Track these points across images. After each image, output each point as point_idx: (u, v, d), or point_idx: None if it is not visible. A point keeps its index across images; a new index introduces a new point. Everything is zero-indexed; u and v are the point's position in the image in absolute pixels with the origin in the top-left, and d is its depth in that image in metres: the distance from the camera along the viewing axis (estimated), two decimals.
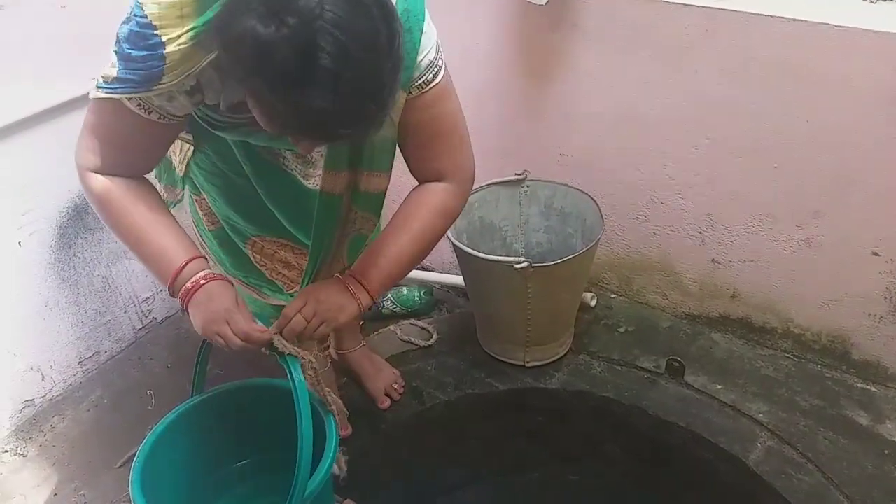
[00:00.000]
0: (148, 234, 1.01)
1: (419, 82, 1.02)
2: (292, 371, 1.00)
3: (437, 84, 1.03)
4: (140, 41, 0.84)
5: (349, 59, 0.75)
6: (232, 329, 0.98)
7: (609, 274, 1.80)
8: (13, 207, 1.56)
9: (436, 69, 1.03)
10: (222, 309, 0.99)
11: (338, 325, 1.08)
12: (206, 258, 1.05)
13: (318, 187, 1.13)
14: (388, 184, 1.17)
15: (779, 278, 1.56)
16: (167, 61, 0.85)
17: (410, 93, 1.02)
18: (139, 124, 0.93)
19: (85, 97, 1.48)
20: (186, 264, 1.00)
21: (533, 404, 1.62)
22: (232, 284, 1.05)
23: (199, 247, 1.34)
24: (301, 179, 1.20)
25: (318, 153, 1.16)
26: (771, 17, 1.33)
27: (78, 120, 1.57)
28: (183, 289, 1.00)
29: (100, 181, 1.00)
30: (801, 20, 1.31)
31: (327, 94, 0.76)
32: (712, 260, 1.62)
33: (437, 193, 1.12)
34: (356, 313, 1.08)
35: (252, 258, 1.32)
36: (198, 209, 1.33)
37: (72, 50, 1.56)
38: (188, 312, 1.02)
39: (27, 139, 1.54)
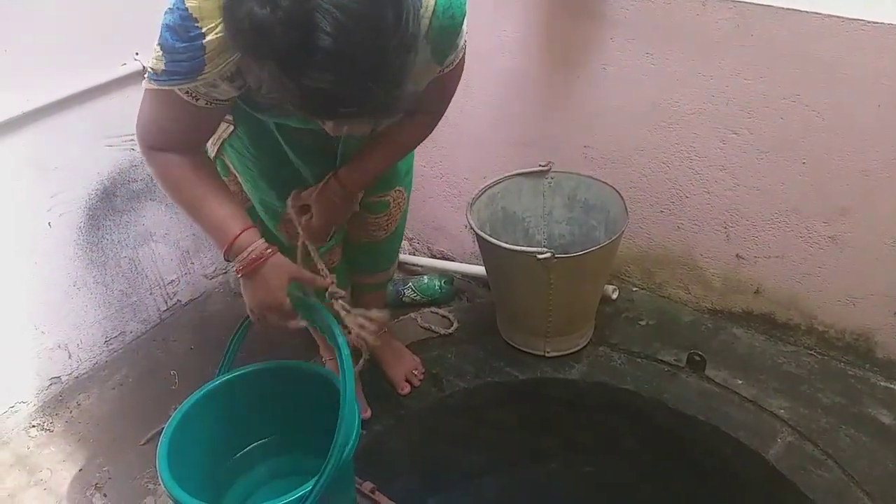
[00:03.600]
0: (205, 204, 1.06)
1: (453, 61, 1.07)
2: (339, 343, 1.04)
3: (462, 57, 1.09)
4: (182, 33, 0.87)
5: (349, 39, 0.75)
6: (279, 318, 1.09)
7: (631, 267, 1.80)
8: (44, 189, 1.59)
9: (465, 46, 1.07)
10: (274, 297, 1.08)
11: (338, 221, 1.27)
12: (257, 228, 1.09)
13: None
14: None
15: (804, 275, 1.55)
16: (207, 51, 0.87)
17: (442, 70, 1.06)
18: (189, 110, 0.97)
19: (114, 82, 1.53)
20: (240, 234, 1.06)
21: (552, 394, 1.62)
22: (285, 258, 1.11)
23: None
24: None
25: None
26: (803, 12, 1.32)
27: (108, 104, 1.63)
28: (238, 260, 1.07)
29: (160, 157, 1.05)
30: (834, 16, 1.29)
31: (326, 75, 0.77)
32: (737, 255, 1.61)
33: (419, 121, 1.21)
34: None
35: (283, 237, 1.34)
36: None
37: (103, 35, 1.58)
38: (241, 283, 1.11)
39: (58, 122, 1.57)
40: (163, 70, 0.91)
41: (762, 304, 1.63)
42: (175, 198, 1.09)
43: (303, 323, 1.12)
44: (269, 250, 1.07)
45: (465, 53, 1.09)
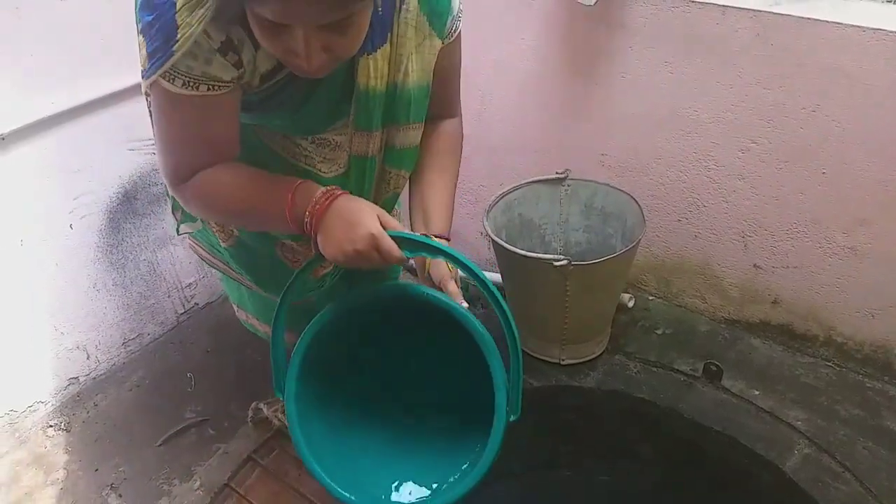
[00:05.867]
0: (251, 191, 0.98)
1: (452, 29, 1.03)
2: (481, 275, 0.95)
3: (459, 30, 1.06)
4: (149, 4, 0.84)
5: None
6: (383, 255, 0.93)
7: (648, 276, 1.80)
8: (66, 191, 1.61)
9: (461, 15, 1.05)
10: (369, 228, 0.92)
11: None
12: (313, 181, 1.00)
13: (336, 174, 1.11)
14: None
15: (822, 285, 1.54)
16: (177, 8, 0.83)
17: (443, 42, 1.03)
18: (197, 104, 0.92)
19: (137, 86, 1.48)
20: (299, 184, 0.96)
21: (567, 402, 1.62)
22: (357, 196, 0.99)
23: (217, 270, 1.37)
24: (321, 175, 1.13)
25: (343, 136, 1.10)
26: (824, 21, 1.32)
27: (132, 108, 1.65)
28: (311, 205, 0.95)
29: (192, 184, 0.99)
30: (854, 25, 1.29)
31: None
32: (754, 265, 1.61)
33: (456, 128, 1.18)
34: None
35: (283, 259, 1.25)
36: (211, 228, 1.26)
37: (127, 39, 1.60)
38: (318, 243, 0.96)
39: (81, 126, 1.59)
40: (146, 57, 0.87)
41: (780, 314, 1.63)
42: (224, 215, 1.03)
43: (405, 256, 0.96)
44: (334, 191, 0.96)
45: (461, 27, 1.05)
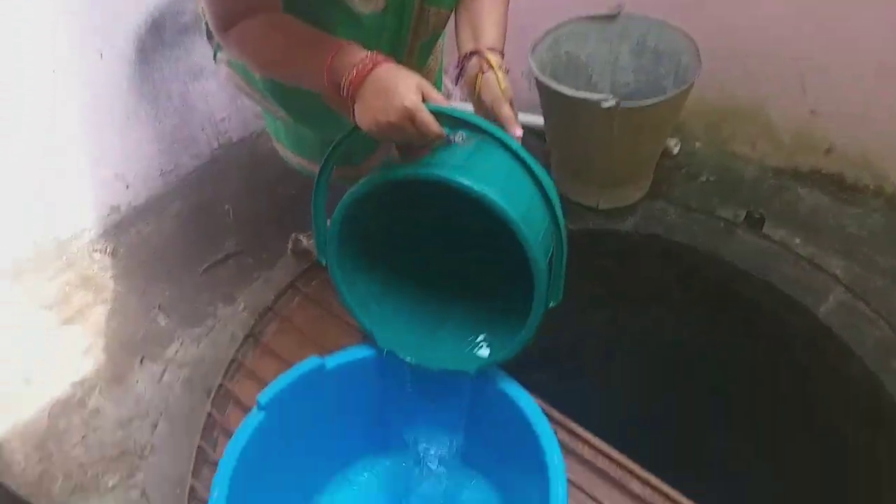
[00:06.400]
0: (293, 48, 0.94)
1: None
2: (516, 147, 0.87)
3: None
4: None
5: None
6: (419, 129, 0.87)
7: (696, 120, 1.73)
8: (95, 20, 1.55)
9: None
10: (408, 99, 0.85)
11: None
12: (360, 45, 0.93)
13: (374, 11, 1.03)
14: None
15: (881, 134, 1.48)
16: None
17: None
18: None
19: None
20: (343, 45, 0.91)
21: (603, 247, 1.62)
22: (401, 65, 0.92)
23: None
24: (359, 12, 1.04)
25: None
26: None
27: None
28: (343, 83, 0.89)
29: (236, 33, 0.96)
30: None
31: None
32: (811, 111, 1.54)
33: None
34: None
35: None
36: None
37: None
38: (354, 110, 0.91)
39: None
40: None
41: (832, 163, 1.58)
42: (264, 67, 0.99)
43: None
44: (378, 56, 0.90)
45: None
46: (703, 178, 1.67)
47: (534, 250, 0.88)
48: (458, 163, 0.92)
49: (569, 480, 0.91)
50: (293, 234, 1.60)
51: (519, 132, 0.97)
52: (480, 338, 1.07)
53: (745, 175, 1.67)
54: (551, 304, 0.92)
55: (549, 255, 0.92)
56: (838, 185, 1.59)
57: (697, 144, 1.75)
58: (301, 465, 1.08)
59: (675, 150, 1.70)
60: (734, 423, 1.71)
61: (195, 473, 1.18)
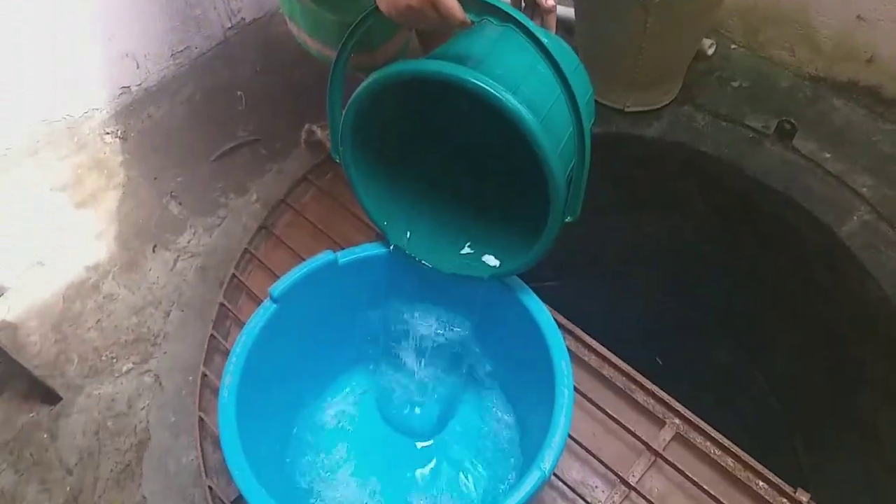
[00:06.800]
0: None
1: None
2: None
3: None
4: None
5: None
6: (441, 14, 0.80)
7: (735, 20, 1.63)
8: None
9: None
10: None
11: None
12: None
13: None
14: None
15: None
16: None
17: None
18: None
19: None
20: None
21: (626, 151, 1.57)
22: None
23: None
24: None
25: None
26: None
27: None
28: None
29: None
30: None
31: None
32: (858, 16, 1.44)
33: None
34: None
35: None
36: None
37: None
38: None
39: None
40: None
41: (872, 74, 1.49)
42: None
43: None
44: None
45: None
46: (736, 84, 1.59)
47: (550, 160, 0.82)
48: (475, 55, 0.86)
49: (575, 388, 0.92)
50: (307, 125, 1.56)
51: (551, 2, 0.88)
52: (495, 247, 1.05)
53: (780, 82, 1.59)
54: (568, 219, 0.88)
55: (571, 166, 0.87)
56: (876, 99, 1.52)
57: (733, 47, 1.66)
58: (312, 357, 1.10)
59: (710, 52, 1.62)
60: (745, 339, 1.72)
61: (207, 362, 1.21)
